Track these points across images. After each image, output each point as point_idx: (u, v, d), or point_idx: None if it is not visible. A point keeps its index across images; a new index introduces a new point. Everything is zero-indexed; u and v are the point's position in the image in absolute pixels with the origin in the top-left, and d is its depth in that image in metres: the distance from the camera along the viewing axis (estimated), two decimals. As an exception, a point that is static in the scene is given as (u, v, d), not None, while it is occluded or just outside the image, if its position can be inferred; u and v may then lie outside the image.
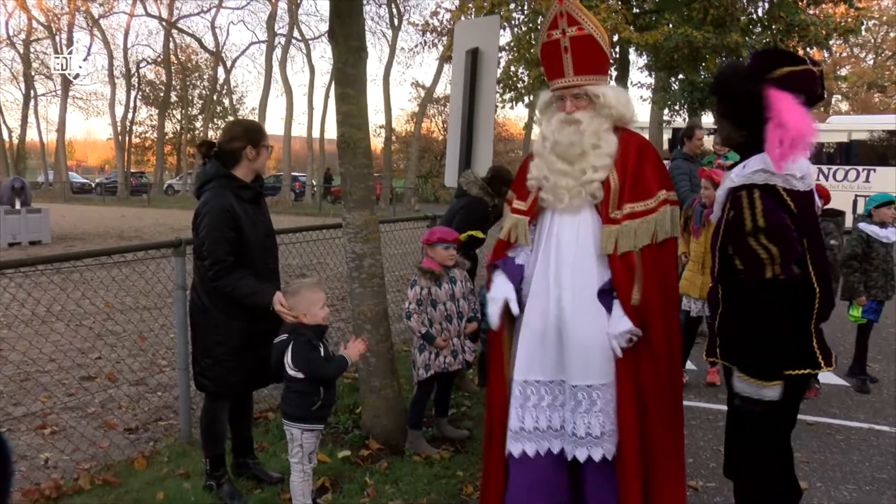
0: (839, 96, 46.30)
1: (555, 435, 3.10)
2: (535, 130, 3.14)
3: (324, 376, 3.43)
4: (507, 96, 17.58)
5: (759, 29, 14.98)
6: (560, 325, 3.03)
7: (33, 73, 45.12)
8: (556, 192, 3.07)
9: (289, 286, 3.59)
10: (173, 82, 47.45)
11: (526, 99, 17.85)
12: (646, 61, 15.22)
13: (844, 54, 43.13)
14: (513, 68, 17.05)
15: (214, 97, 48.65)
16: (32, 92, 46.63)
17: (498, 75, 6.33)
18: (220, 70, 47.44)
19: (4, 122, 47.45)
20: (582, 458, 3.01)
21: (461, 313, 4.48)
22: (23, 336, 7.33)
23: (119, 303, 9.18)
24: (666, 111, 20.22)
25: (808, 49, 15.43)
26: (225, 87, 48.51)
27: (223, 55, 46.94)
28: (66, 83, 43.52)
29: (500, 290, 3.19)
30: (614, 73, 14.77)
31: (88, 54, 46.10)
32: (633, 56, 16.15)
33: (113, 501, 3.83)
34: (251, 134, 3.74)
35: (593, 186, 3.01)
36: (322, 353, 3.45)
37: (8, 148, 46.68)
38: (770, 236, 2.55)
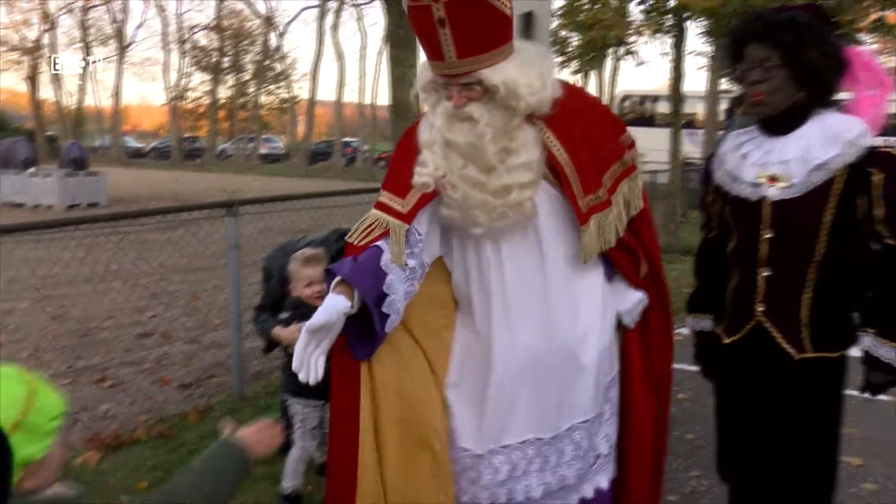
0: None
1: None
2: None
3: None
4: (555, 60, 17.29)
5: (831, -13, 14.28)
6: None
7: (90, 40, 45.90)
8: (466, 210, 2.15)
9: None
10: (225, 48, 47.80)
11: (573, 64, 17.56)
12: (704, 28, 14.74)
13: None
14: (563, 33, 16.76)
15: (266, 63, 48.91)
16: (90, 58, 47.54)
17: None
18: (272, 35, 47.71)
19: (64, 87, 48.42)
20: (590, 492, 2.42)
21: None
22: (82, 293, 7.54)
23: (173, 263, 9.35)
24: (724, 81, 19.68)
25: (885, 10, 14.64)
26: (277, 52, 48.73)
27: (275, 20, 47.17)
28: (122, 49, 44.20)
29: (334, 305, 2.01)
30: (669, 41, 14.35)
31: (142, 22, 46.76)
32: (690, 22, 15.74)
33: (168, 452, 3.95)
34: None
35: (525, 208, 2.14)
36: None
37: (67, 113, 47.67)
38: None
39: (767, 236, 2.43)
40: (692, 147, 20.60)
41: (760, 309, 2.48)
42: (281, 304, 3.36)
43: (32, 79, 43.64)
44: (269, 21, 46.35)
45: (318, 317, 1.96)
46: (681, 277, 6.51)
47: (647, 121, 23.87)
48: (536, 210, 2.18)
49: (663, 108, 21.99)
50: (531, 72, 2.10)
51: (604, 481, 2.44)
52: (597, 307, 2.34)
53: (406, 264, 2.17)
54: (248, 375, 5.01)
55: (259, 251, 4.52)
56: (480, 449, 2.26)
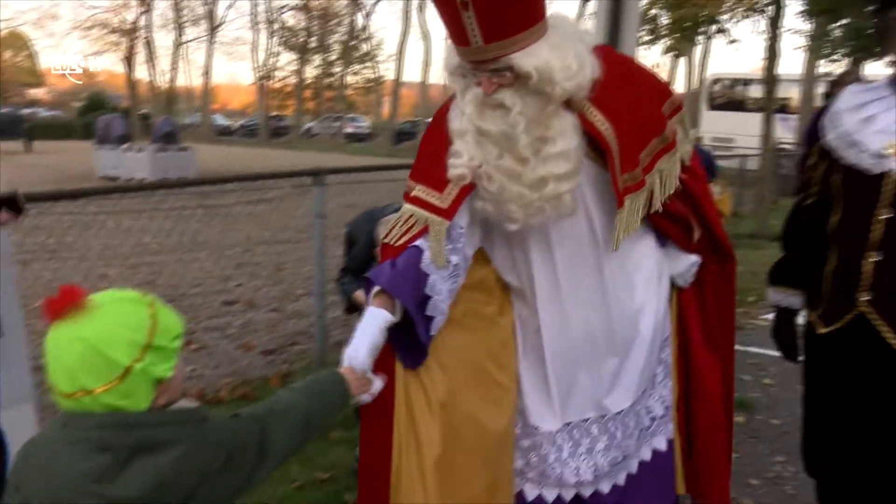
0: None
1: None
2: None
3: None
4: (643, 38, 16.79)
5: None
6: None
7: (183, 21, 47.18)
8: (501, 204, 1.98)
9: None
10: (313, 28, 48.46)
11: (661, 43, 17.08)
12: (803, 4, 14.07)
13: None
14: (654, 11, 16.34)
15: (352, 43, 49.38)
16: (182, 38, 48.89)
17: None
18: (359, 15, 48.11)
19: (158, 66, 49.98)
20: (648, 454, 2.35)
21: None
22: (170, 262, 7.81)
23: (258, 236, 9.58)
24: (823, 62, 18.86)
25: None
26: (363, 32, 49.14)
27: (361, 0, 47.53)
28: (213, 29, 45.34)
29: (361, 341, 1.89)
30: (763, 20, 13.82)
31: (233, 2, 47.88)
32: None
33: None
34: None
35: (563, 201, 1.97)
36: None
37: (160, 92, 49.22)
38: None
39: (885, 216, 2.13)
40: (784, 133, 19.89)
41: (865, 298, 2.20)
42: (364, 267, 3.38)
43: (129, 59, 45.16)
44: (355, 1, 46.79)
45: (362, 343, 1.86)
46: (770, 263, 6.32)
47: (738, 105, 23.21)
48: (577, 204, 2.02)
49: (755, 91, 21.30)
50: (567, 53, 1.88)
51: (661, 442, 2.35)
52: (652, 276, 2.24)
53: (448, 261, 2.02)
54: (330, 343, 5.09)
55: (342, 226, 4.60)
56: (548, 426, 2.22)
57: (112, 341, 1.33)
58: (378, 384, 1.90)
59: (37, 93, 58.63)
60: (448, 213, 1.99)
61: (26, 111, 43.11)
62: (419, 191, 2.05)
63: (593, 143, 1.99)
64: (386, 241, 2.07)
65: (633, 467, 2.31)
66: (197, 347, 5.32)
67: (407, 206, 2.07)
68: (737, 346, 5.42)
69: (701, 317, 2.37)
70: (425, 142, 2.19)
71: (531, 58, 1.84)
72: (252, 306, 6.54)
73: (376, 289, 1.94)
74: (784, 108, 20.64)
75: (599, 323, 2.16)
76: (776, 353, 2.70)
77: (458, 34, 1.84)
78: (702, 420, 2.37)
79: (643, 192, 2.05)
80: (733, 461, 3.65)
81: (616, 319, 2.17)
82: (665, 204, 2.11)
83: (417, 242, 2.00)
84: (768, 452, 3.81)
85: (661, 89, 2.16)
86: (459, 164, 1.97)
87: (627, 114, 2.02)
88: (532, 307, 2.20)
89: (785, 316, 2.58)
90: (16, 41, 50.17)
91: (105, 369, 1.32)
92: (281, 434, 1.57)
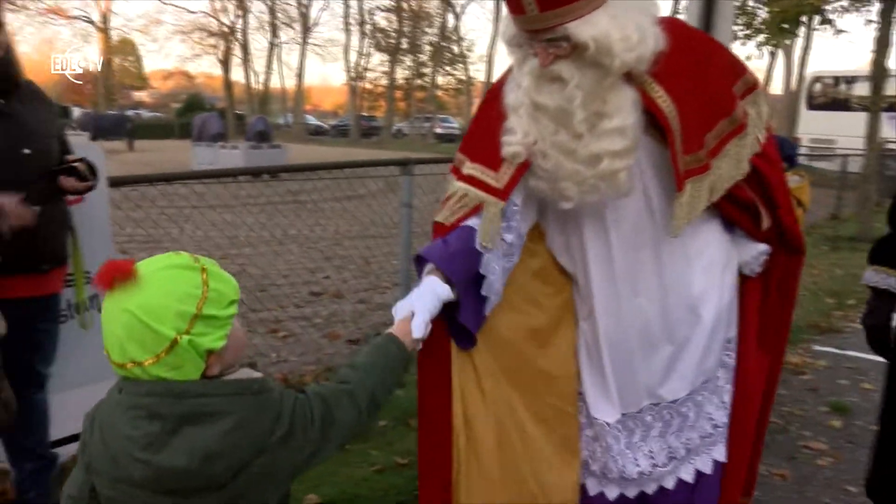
0: None
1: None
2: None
3: None
4: (740, 33, 16.27)
5: None
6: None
7: (277, 23, 48.42)
8: (555, 182, 1.91)
9: None
10: (404, 29, 49.02)
11: (760, 38, 16.48)
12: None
13: None
14: (751, 4, 15.82)
15: (443, 44, 49.71)
16: (276, 40, 50.17)
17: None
18: (450, 17, 48.41)
19: (252, 67, 51.48)
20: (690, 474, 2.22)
21: None
22: (261, 254, 8.01)
23: (347, 230, 9.71)
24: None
25: None
26: (454, 34, 49.41)
27: (453, 2, 47.77)
28: (306, 31, 46.38)
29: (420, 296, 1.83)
30: (874, 6, 13.09)
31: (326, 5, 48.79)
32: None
33: (333, 401, 4.12)
34: None
35: (618, 180, 1.87)
36: None
37: (254, 93, 50.67)
38: None
39: None
40: (893, 132, 18.87)
41: None
42: None
43: (225, 62, 46.67)
44: (447, 2, 47.04)
45: (420, 306, 1.78)
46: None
47: (841, 104, 22.26)
48: (634, 183, 1.93)
49: (860, 90, 20.35)
50: (628, 23, 1.76)
51: (721, 453, 2.21)
52: (715, 264, 2.11)
53: (503, 240, 1.96)
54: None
55: (429, 222, 4.62)
56: (607, 417, 2.14)
57: (158, 313, 1.29)
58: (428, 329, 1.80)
59: (140, 95, 61.35)
60: (503, 194, 1.94)
61: (131, 112, 45.06)
62: (473, 169, 1.99)
63: (654, 120, 1.89)
64: (438, 220, 2.02)
65: (686, 474, 2.20)
66: (284, 335, 5.43)
67: (461, 185, 2.00)
68: (834, 350, 5.26)
69: (760, 311, 2.23)
70: (480, 114, 2.12)
71: (589, 27, 1.73)
72: (339, 297, 6.64)
73: (429, 266, 1.89)
74: (894, 107, 19.61)
75: (654, 310, 2.07)
76: (876, 358, 2.50)
77: (512, 1, 1.76)
78: (733, 421, 2.22)
79: (707, 176, 1.93)
80: (830, 466, 3.54)
81: (673, 306, 2.06)
82: (733, 189, 1.99)
83: (470, 222, 1.94)
84: (867, 459, 3.61)
85: (734, 67, 2.02)
86: (514, 141, 1.91)
87: (693, 91, 1.89)
88: (586, 291, 2.13)
89: (881, 300, 2.35)
90: (125, 47, 52.67)
91: (151, 341, 1.29)
92: (346, 415, 1.52)
